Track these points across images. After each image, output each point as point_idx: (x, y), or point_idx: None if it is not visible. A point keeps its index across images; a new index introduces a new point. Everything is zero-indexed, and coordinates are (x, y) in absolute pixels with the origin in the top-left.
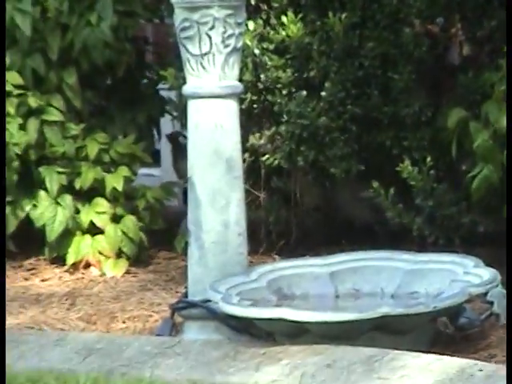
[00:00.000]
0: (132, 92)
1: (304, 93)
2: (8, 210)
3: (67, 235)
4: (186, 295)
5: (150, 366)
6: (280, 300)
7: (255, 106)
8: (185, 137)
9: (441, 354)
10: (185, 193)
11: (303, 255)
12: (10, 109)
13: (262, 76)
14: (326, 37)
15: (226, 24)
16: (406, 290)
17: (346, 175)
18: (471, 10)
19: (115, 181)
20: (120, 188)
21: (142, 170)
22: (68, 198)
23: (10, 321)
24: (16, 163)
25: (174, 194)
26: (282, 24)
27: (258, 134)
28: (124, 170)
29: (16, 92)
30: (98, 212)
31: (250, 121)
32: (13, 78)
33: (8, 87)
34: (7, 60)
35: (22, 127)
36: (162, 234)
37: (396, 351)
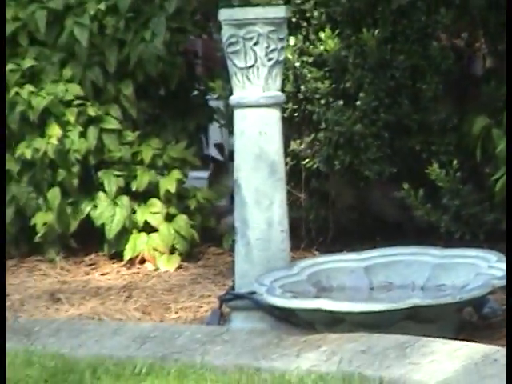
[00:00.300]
0: (183, 102)
1: (340, 102)
2: (69, 210)
3: (124, 233)
4: (233, 288)
5: (201, 353)
6: (319, 292)
7: (296, 114)
8: (231, 144)
9: (467, 340)
10: (231, 194)
11: (340, 251)
12: (71, 118)
13: (302, 87)
14: (361, 50)
15: (269, 39)
16: (434, 282)
17: (379, 177)
18: (493, 25)
19: (168, 183)
20: (173, 190)
21: (193, 173)
22: (125, 199)
23: (71, 312)
24: (77, 168)
25: (222, 194)
26: (320, 39)
27: (298, 140)
28: (176, 173)
29: (76, 102)
30: (153, 212)
31: (291, 128)
32: (73, 89)
33: (69, 97)
34: (68, 72)
35: (82, 135)
36: (211, 232)
37: (425, 338)
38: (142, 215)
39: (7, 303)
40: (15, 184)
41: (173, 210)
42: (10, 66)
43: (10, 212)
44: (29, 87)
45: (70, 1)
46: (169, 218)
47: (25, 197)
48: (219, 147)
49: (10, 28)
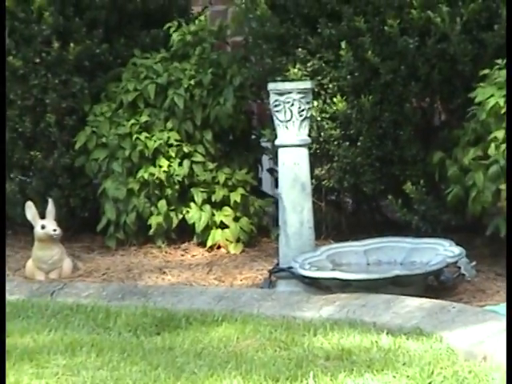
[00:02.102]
0: (245, 144)
1: (347, 143)
2: (172, 214)
3: (207, 229)
4: (278, 264)
5: (257, 307)
6: (334, 267)
7: (318, 151)
8: (276, 171)
9: (430, 298)
10: (276, 203)
11: (347, 240)
12: (172, 154)
13: (322, 133)
14: (360, 110)
15: (300, 102)
16: (409, 260)
17: (373, 192)
18: (446, 93)
19: (236, 196)
20: (238, 200)
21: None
22: (207, 207)
23: (172, 280)
24: (177, 186)
25: (270, 203)
26: (334, 102)
27: (320, 168)
28: (241, 190)
29: (175, 143)
30: (226, 215)
31: (315, 160)
32: (174, 135)
33: (171, 141)
34: (170, 124)
35: (180, 165)
36: (263, 228)
37: (403, 297)
38: (219, 217)
39: (130, 275)
40: (136, 197)
41: (239, 214)
42: (132, 121)
43: (132, 216)
44: (145, 134)
45: (171, 78)
46: (236, 219)
47: (142, 206)
48: (270, 171)
49: (131, 96)
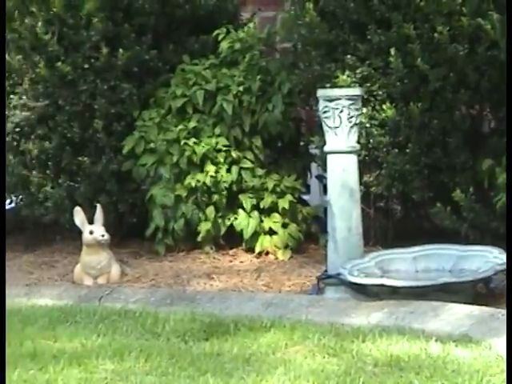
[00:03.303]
0: (293, 150)
1: (396, 150)
2: (220, 221)
3: (255, 235)
4: (326, 270)
5: (305, 313)
6: (382, 273)
7: (367, 158)
8: (325, 177)
9: (479, 305)
10: (325, 209)
11: (396, 247)
12: (221, 159)
13: (371, 140)
14: (409, 117)
15: (350, 109)
16: (457, 267)
17: (421, 199)
18: (495, 101)
19: (284, 203)
20: (287, 207)
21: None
22: (255, 213)
23: (220, 286)
24: (225, 192)
25: (320, 210)
26: (383, 109)
27: (368, 175)
28: (289, 197)
29: (224, 149)
30: (274, 221)
31: (364, 167)
32: (222, 141)
33: (219, 146)
34: (218, 130)
35: (228, 171)
36: (311, 234)
37: (451, 304)
38: (267, 224)
39: (178, 281)
40: (184, 204)
41: (287, 220)
42: (180, 126)
43: (181, 222)
44: (193, 140)
45: (220, 84)
46: (284, 225)
47: (190, 212)
48: (318, 178)
49: (180, 102)
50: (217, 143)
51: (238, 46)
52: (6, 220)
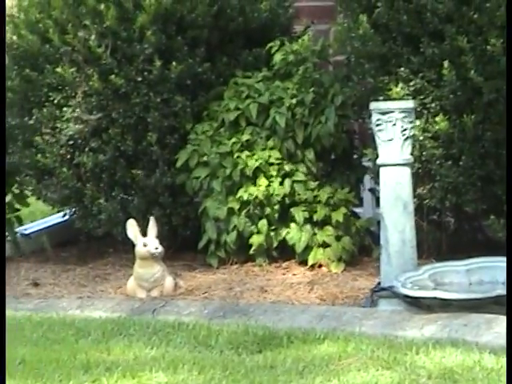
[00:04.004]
0: (346, 163)
1: (449, 163)
2: (272, 234)
3: (308, 248)
4: (379, 283)
5: (358, 326)
6: (436, 286)
7: (420, 170)
8: (377, 190)
9: None
10: (378, 222)
11: (449, 259)
12: (273, 172)
13: (424, 153)
14: (462, 129)
15: (403, 122)
16: None
17: (475, 211)
18: None
19: (338, 215)
20: (341, 220)
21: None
22: (308, 227)
23: (274, 299)
24: (277, 206)
25: (373, 223)
26: (436, 122)
27: (422, 187)
28: (343, 209)
29: (276, 162)
30: (328, 235)
31: (417, 179)
32: (274, 153)
33: (272, 160)
34: (271, 143)
35: (281, 184)
36: (365, 247)
37: (505, 316)
38: (321, 237)
39: (231, 293)
40: (236, 217)
41: (340, 233)
42: (233, 140)
43: (233, 235)
44: (246, 153)
45: (273, 97)
46: (338, 238)
47: (242, 225)
48: (371, 191)
49: (233, 115)
50: (269, 156)
51: (291, 58)
52: (59, 232)
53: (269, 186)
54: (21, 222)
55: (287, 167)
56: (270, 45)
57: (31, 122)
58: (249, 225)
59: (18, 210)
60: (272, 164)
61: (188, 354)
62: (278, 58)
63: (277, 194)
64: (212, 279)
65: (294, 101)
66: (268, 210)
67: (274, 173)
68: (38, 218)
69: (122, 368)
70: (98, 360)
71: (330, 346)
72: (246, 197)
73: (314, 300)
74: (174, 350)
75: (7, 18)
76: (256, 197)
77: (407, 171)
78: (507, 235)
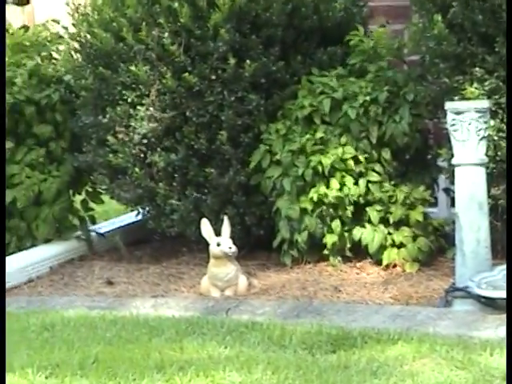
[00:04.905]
0: (421, 163)
1: None
2: (346, 234)
3: (381, 248)
4: (453, 283)
5: (432, 326)
6: None
7: (495, 170)
8: (452, 190)
9: None
10: (453, 222)
11: None
12: (347, 171)
13: (499, 153)
14: None
15: (478, 122)
16: None
17: None
18: None
19: (416, 215)
20: (421, 219)
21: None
22: (381, 226)
23: (347, 298)
24: (351, 206)
25: (447, 223)
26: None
27: (496, 188)
28: (420, 208)
29: (350, 162)
30: (404, 235)
31: (491, 179)
32: (349, 150)
33: (346, 156)
34: (343, 141)
35: (355, 184)
36: (439, 247)
37: None
38: (397, 237)
39: (305, 293)
40: (308, 217)
41: (417, 232)
42: (307, 136)
43: (304, 235)
44: (319, 149)
45: (347, 94)
46: (414, 238)
47: (314, 225)
48: (446, 191)
49: (306, 111)
50: (343, 154)
51: (367, 55)
52: (133, 231)
53: (343, 185)
54: (94, 221)
55: (362, 167)
56: (348, 37)
57: (105, 120)
58: (321, 226)
59: (92, 209)
60: (346, 160)
61: (262, 353)
62: (354, 45)
63: (352, 195)
64: (286, 279)
65: (367, 98)
66: (341, 211)
67: (348, 172)
68: (112, 216)
69: (196, 367)
70: (172, 359)
71: (403, 347)
72: (316, 198)
73: (387, 300)
74: (248, 350)
75: (81, 17)
76: (328, 197)
77: (482, 171)
78: (507, 235)
